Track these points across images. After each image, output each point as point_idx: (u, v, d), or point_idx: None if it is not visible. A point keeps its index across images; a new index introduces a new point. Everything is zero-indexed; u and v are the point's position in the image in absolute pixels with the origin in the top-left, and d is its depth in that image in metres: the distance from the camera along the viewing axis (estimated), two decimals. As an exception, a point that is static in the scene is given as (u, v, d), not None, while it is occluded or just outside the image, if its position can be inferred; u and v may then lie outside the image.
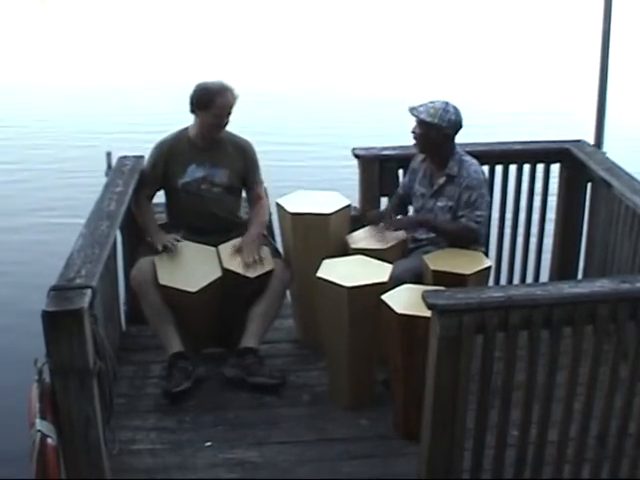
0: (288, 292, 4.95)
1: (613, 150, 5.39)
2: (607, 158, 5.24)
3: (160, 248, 4.61)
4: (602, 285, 3.45)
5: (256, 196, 5.01)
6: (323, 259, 4.46)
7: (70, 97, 14.45)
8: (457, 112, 4.62)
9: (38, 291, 3.59)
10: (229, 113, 4.78)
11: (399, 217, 4.97)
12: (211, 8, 24.74)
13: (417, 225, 4.83)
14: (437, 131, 4.59)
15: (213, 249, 4.69)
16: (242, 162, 4.93)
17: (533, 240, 5.62)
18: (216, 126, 4.81)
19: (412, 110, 4.62)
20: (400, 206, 5.11)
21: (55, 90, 15.05)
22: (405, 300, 4.02)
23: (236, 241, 4.72)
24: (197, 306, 4.52)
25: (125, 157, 5.18)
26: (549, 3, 24.61)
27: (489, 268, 4.56)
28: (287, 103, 13.74)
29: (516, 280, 5.62)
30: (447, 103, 4.62)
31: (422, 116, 4.57)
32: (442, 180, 4.69)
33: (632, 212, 4.68)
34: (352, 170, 5.50)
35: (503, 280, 5.61)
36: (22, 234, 8.43)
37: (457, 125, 4.62)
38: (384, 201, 5.32)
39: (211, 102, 4.71)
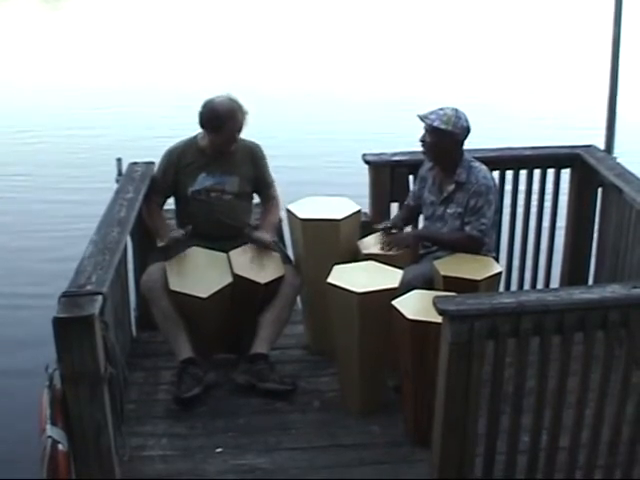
0: (298, 298, 4.94)
1: (623, 155, 5.38)
2: (618, 163, 5.23)
3: (167, 242, 4.64)
4: (613, 291, 3.45)
5: (268, 197, 5.03)
6: (333, 265, 4.46)
7: (78, 99, 14.54)
8: (466, 118, 4.60)
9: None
10: (240, 129, 4.80)
11: (401, 233, 4.93)
12: (220, 12, 24.81)
13: (416, 240, 4.84)
14: (450, 138, 4.56)
15: (224, 255, 4.68)
16: (252, 167, 4.93)
17: (544, 246, 5.61)
18: (227, 145, 4.83)
19: (423, 118, 4.58)
20: (410, 217, 5.08)
21: (62, 92, 15.15)
22: (416, 306, 4.01)
23: (247, 247, 4.73)
24: (208, 312, 4.52)
25: (135, 163, 5.19)
26: (561, 6, 24.61)
27: (500, 274, 4.55)
28: (297, 108, 13.75)
29: (527, 286, 5.60)
30: (456, 109, 4.60)
31: (436, 123, 4.52)
32: (451, 187, 4.67)
33: (643, 217, 4.67)
34: (363, 176, 5.50)
35: (514, 286, 5.60)
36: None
37: (468, 131, 4.60)
38: (394, 207, 5.31)
39: (221, 127, 4.72)
